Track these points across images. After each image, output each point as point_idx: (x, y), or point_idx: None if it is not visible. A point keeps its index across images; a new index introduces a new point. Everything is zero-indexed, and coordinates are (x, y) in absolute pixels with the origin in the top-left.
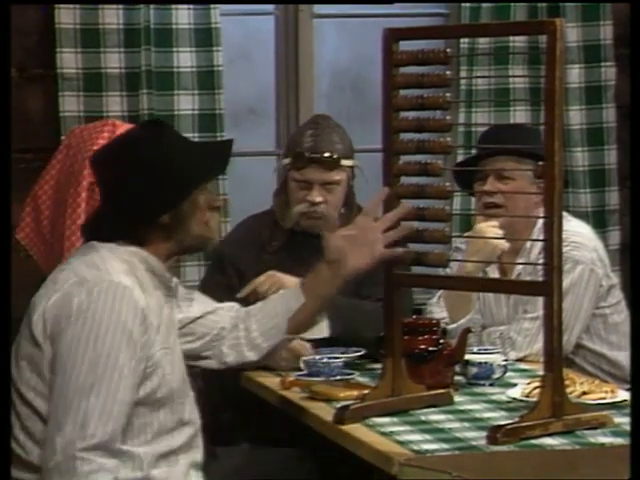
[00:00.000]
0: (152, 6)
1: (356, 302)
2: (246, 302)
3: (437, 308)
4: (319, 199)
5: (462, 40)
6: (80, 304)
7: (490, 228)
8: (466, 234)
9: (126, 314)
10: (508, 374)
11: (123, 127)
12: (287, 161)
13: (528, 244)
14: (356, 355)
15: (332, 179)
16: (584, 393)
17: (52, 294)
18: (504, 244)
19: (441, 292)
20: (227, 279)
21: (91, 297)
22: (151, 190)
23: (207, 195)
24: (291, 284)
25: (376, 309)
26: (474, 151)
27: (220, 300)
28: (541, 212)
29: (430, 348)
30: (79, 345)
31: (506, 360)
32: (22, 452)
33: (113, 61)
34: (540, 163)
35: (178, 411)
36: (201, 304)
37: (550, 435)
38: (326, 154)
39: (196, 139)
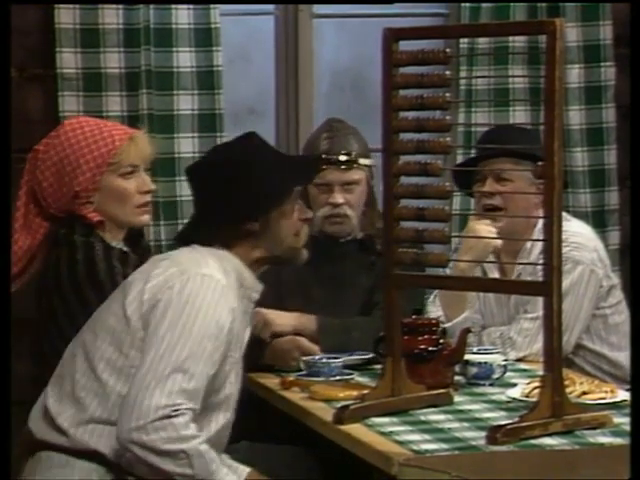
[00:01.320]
0: (152, 6)
1: (348, 321)
2: None
3: (433, 307)
4: (341, 200)
5: (462, 40)
6: (181, 290)
7: (482, 227)
8: (462, 234)
9: (222, 309)
10: (508, 374)
11: (67, 125)
12: None
13: (528, 244)
14: (364, 357)
15: (351, 179)
16: (584, 393)
17: (152, 278)
18: (496, 242)
19: (437, 291)
20: None
21: (193, 286)
22: (238, 196)
23: (296, 206)
24: (276, 320)
25: (370, 322)
26: (473, 151)
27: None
28: (541, 213)
29: (430, 348)
30: (177, 326)
31: (506, 360)
32: (56, 414)
33: (113, 61)
34: (540, 163)
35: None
36: None
37: (550, 435)
38: (343, 154)
39: (196, 139)
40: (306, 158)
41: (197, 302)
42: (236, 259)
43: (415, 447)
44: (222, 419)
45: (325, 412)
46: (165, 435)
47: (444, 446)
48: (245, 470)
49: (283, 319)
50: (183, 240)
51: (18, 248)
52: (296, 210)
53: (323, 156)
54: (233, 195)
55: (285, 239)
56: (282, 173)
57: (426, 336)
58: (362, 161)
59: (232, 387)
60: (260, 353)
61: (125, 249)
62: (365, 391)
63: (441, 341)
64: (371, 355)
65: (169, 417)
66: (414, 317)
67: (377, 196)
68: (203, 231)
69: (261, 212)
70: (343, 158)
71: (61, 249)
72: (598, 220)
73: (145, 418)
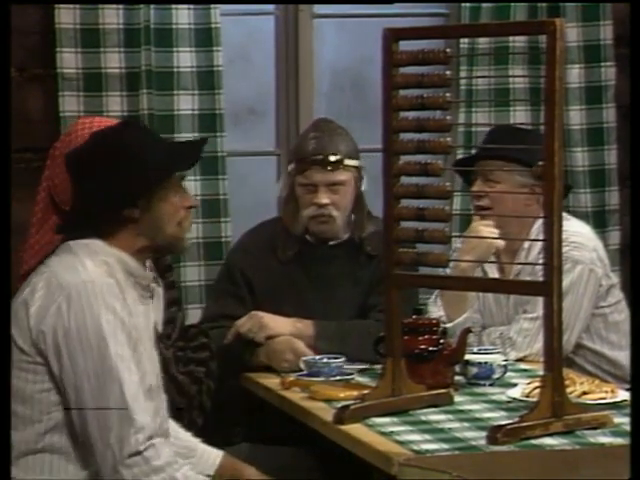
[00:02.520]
0: (152, 6)
1: (346, 325)
2: (234, 346)
3: (434, 307)
4: (325, 201)
5: (462, 40)
6: (69, 309)
7: (485, 227)
8: (464, 233)
9: (121, 310)
10: (508, 374)
11: (79, 124)
12: (292, 167)
13: (526, 244)
14: (359, 368)
15: (336, 179)
16: (584, 393)
17: (33, 302)
18: (498, 242)
19: (438, 291)
20: (236, 288)
21: (80, 299)
22: (115, 183)
23: (181, 194)
24: (271, 323)
25: (367, 326)
26: (474, 151)
27: (228, 309)
28: (532, 214)
29: (430, 348)
30: (92, 350)
31: (506, 360)
32: None
33: (113, 61)
34: (540, 163)
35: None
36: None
37: (550, 435)
38: (328, 154)
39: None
40: (188, 143)
41: (94, 315)
42: (115, 249)
43: (415, 447)
44: (149, 408)
45: (325, 412)
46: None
47: (444, 446)
48: (219, 454)
49: (278, 323)
50: (62, 233)
51: (35, 242)
52: (178, 197)
53: (309, 157)
54: (109, 180)
55: (167, 227)
56: (161, 156)
57: (426, 336)
58: (348, 162)
59: (151, 377)
60: (254, 355)
61: None
62: (365, 391)
63: (441, 341)
64: (366, 366)
65: (140, 453)
66: (414, 317)
67: (368, 196)
68: (81, 222)
69: (139, 196)
70: (328, 158)
71: None
72: (598, 220)
73: (117, 458)
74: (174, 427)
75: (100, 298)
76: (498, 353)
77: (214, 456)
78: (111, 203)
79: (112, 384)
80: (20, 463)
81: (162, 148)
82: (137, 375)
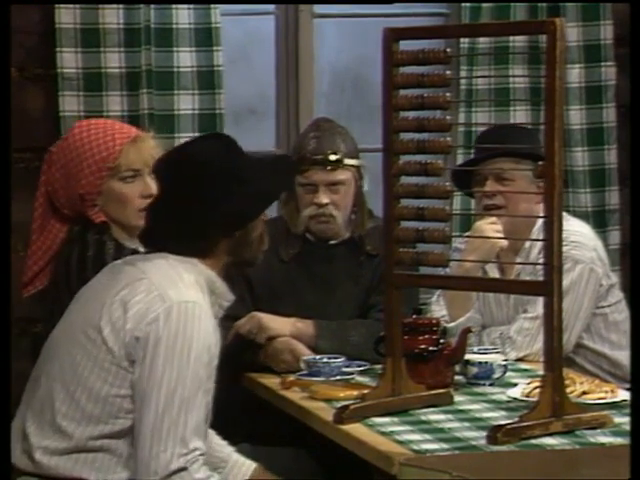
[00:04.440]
0: (152, 6)
1: (346, 324)
2: (234, 346)
3: (437, 306)
4: (325, 200)
5: (462, 40)
6: (167, 322)
7: (489, 226)
8: (466, 233)
9: (210, 336)
10: (508, 374)
11: (77, 127)
12: None
13: (527, 244)
14: (359, 370)
15: (336, 179)
16: (584, 393)
17: (132, 306)
18: (502, 242)
19: (440, 290)
20: (235, 289)
21: (179, 317)
22: (229, 207)
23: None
24: (271, 324)
25: (368, 326)
26: (473, 151)
27: (228, 308)
28: (542, 212)
29: (430, 348)
30: (173, 367)
31: (506, 360)
32: (37, 443)
33: (113, 61)
34: (540, 163)
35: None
36: None
37: (550, 435)
38: (328, 154)
39: None
40: (278, 160)
41: (187, 334)
42: (208, 269)
43: (415, 447)
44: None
45: (325, 412)
46: None
47: (444, 446)
48: (251, 466)
49: (278, 324)
50: (154, 243)
51: (37, 248)
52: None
53: (308, 156)
54: (222, 205)
55: (255, 243)
56: (267, 178)
57: (426, 336)
58: (348, 161)
59: (209, 395)
60: (255, 354)
61: (140, 249)
62: (365, 391)
63: (441, 341)
64: (366, 366)
65: (185, 469)
66: (414, 317)
67: (368, 196)
68: (179, 239)
69: (252, 220)
70: (329, 158)
71: (73, 246)
72: (598, 220)
73: (161, 473)
74: (211, 435)
75: (197, 320)
76: (498, 353)
77: (245, 469)
78: (224, 227)
79: (180, 407)
80: (72, 457)
81: (265, 168)
82: (205, 400)
